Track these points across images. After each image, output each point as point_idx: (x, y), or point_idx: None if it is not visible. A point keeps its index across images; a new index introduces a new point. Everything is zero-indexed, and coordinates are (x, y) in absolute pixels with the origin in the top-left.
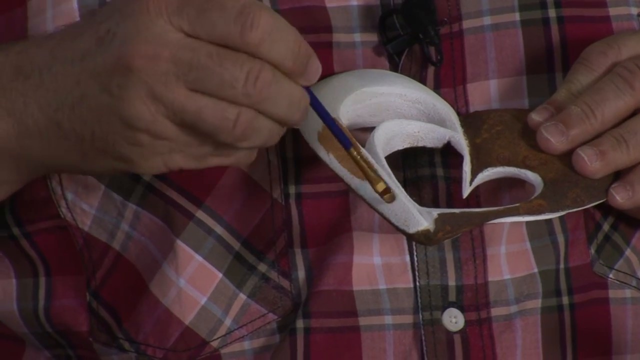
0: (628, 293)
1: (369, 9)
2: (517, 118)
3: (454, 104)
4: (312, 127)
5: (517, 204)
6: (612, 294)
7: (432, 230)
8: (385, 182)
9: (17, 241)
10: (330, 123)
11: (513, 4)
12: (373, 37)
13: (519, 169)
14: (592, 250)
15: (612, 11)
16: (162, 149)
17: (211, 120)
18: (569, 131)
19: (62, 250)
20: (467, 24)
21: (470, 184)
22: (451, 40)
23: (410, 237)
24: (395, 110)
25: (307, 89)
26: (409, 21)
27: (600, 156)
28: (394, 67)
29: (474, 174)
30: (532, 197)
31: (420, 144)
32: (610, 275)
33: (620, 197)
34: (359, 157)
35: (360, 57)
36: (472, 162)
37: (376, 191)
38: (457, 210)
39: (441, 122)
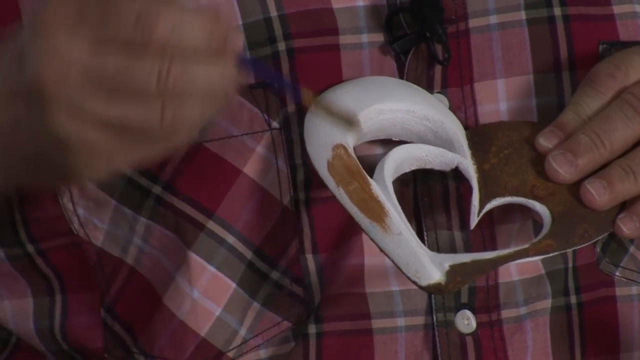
0: (635, 290)
1: (375, 8)
2: (525, 139)
3: (461, 103)
4: (322, 156)
5: (526, 246)
6: (619, 291)
7: (443, 283)
8: (394, 223)
9: (31, 259)
10: (278, 80)
11: (519, 2)
12: (380, 38)
13: (527, 199)
14: (598, 249)
15: (617, 9)
16: (101, 152)
17: (137, 122)
18: (577, 160)
19: (77, 267)
20: (473, 22)
21: (479, 214)
22: (457, 40)
23: (421, 288)
24: (403, 125)
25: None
26: (416, 19)
27: (608, 189)
28: (401, 67)
29: (482, 204)
30: (541, 237)
31: (428, 167)
32: (617, 273)
33: (627, 228)
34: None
35: (367, 58)
36: (480, 191)
37: None
38: (467, 260)
39: (449, 142)
